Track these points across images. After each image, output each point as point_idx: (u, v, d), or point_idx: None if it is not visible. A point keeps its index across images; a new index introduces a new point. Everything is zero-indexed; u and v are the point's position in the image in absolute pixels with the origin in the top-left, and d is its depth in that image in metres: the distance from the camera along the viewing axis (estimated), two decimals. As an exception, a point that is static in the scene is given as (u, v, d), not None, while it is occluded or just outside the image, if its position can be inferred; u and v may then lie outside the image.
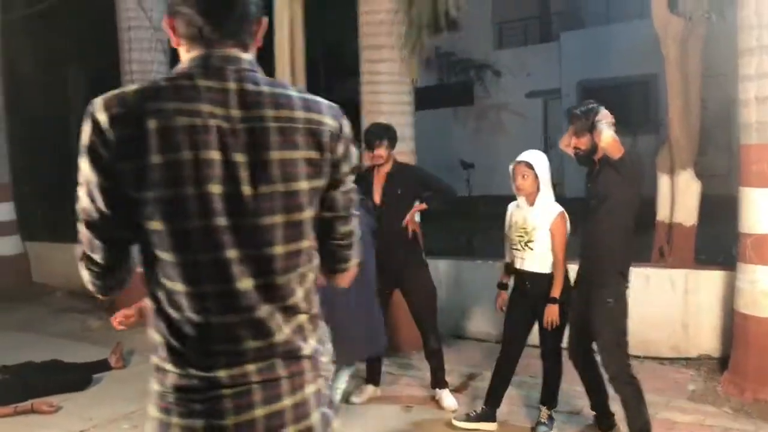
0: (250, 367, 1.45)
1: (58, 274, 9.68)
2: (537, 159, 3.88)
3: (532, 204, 3.93)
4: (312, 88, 6.69)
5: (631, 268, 3.74)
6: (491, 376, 4.26)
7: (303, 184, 1.45)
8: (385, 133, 4.69)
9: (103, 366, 5.81)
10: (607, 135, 3.45)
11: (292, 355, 1.50)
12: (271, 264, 1.43)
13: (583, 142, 3.60)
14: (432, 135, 17.77)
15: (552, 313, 3.87)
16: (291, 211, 1.45)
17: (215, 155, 1.36)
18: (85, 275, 1.53)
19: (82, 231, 1.47)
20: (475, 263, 6.71)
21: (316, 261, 1.59)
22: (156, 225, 1.38)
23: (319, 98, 1.54)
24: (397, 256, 4.70)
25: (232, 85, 1.41)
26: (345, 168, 1.56)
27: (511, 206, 4.09)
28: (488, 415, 4.25)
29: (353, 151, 1.59)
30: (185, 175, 1.35)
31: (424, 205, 4.71)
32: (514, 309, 4.08)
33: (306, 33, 6.48)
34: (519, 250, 3.97)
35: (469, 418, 4.30)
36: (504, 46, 18.25)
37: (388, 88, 6.01)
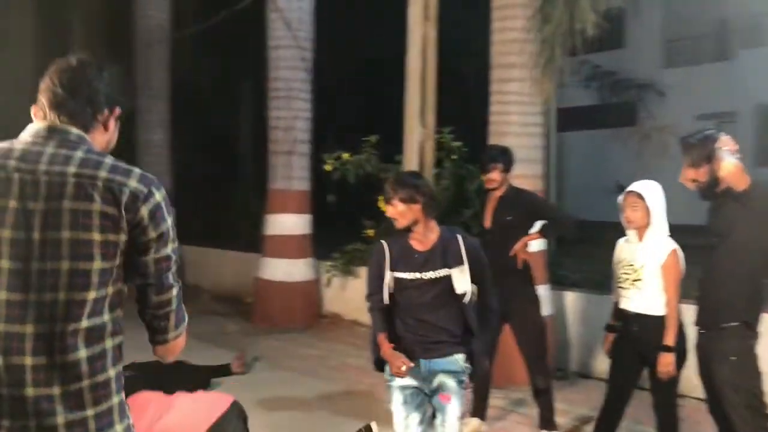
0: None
1: (207, 278, 10.31)
2: (649, 189, 3.51)
3: (641, 239, 3.56)
4: (448, 108, 6.67)
5: (761, 316, 3.27)
6: (595, 424, 3.91)
7: (95, 235, 1.53)
8: (499, 157, 4.48)
9: (224, 370, 6.03)
10: (728, 163, 3.05)
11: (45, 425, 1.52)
12: (50, 310, 1.51)
13: (702, 174, 3.20)
14: (588, 156, 17.07)
15: (666, 363, 3.47)
16: (78, 259, 1.52)
17: (12, 203, 1.53)
18: None
19: None
20: (603, 297, 6.25)
21: (114, 325, 1.63)
22: None
23: (136, 168, 1.64)
24: (504, 286, 4.47)
25: (49, 149, 1.58)
26: (152, 233, 1.60)
27: (621, 241, 3.74)
28: (593, 464, 3.89)
29: (164, 218, 1.63)
30: None
31: (536, 235, 4.45)
32: (620, 353, 3.71)
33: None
34: (625, 288, 3.61)
35: (571, 467, 3.97)
36: (672, 65, 17.12)
37: (517, 109, 5.79)
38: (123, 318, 1.67)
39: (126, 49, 10.92)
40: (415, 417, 3.15)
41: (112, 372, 1.61)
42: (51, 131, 1.61)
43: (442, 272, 3.14)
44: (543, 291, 5.68)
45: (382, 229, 7.72)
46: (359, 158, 7.58)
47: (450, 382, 3.15)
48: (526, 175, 5.66)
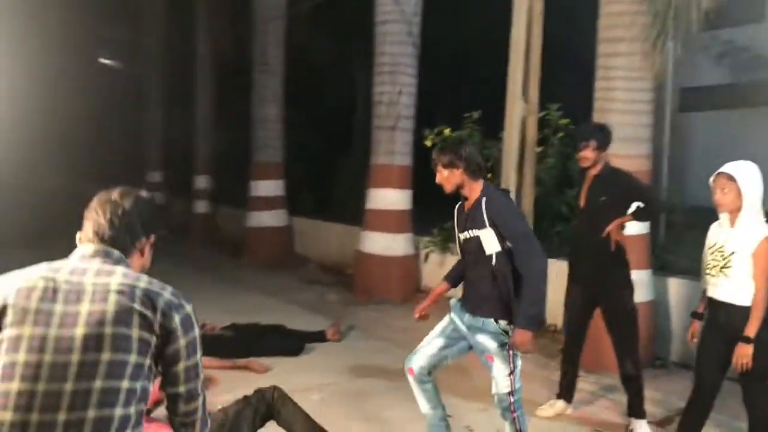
0: None
1: (314, 249, 10.63)
2: (741, 171, 3.26)
3: (733, 224, 3.32)
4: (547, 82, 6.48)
5: None
6: (682, 414, 3.73)
7: (134, 332, 1.74)
8: (593, 134, 4.32)
9: (319, 336, 6.23)
10: None
11: None
12: (85, 397, 1.68)
13: None
14: (717, 138, 16.02)
15: (743, 354, 3.25)
16: (117, 351, 1.72)
17: (58, 307, 1.74)
18: None
19: None
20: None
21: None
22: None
23: (166, 287, 1.87)
24: (595, 268, 4.34)
25: (94, 265, 1.82)
26: (182, 340, 1.81)
27: (714, 225, 3.51)
28: (677, 457, 3.73)
29: (193, 327, 1.84)
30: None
31: (629, 217, 4.26)
32: (706, 342, 3.50)
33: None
34: (713, 276, 3.39)
35: (653, 458, 3.82)
36: (820, 40, 15.69)
37: (623, 85, 5.53)
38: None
39: (244, 24, 11.33)
40: (440, 342, 3.63)
41: None
42: (96, 252, 1.85)
43: (472, 233, 3.37)
44: (643, 276, 5.46)
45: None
46: (461, 134, 7.52)
47: (489, 343, 3.38)
48: (630, 155, 5.43)
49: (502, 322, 3.34)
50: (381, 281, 8.14)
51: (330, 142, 13.13)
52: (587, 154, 4.31)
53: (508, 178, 6.54)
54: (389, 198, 8.18)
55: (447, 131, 7.63)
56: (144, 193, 2.01)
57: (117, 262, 1.84)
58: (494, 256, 3.30)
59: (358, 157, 10.95)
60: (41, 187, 18.82)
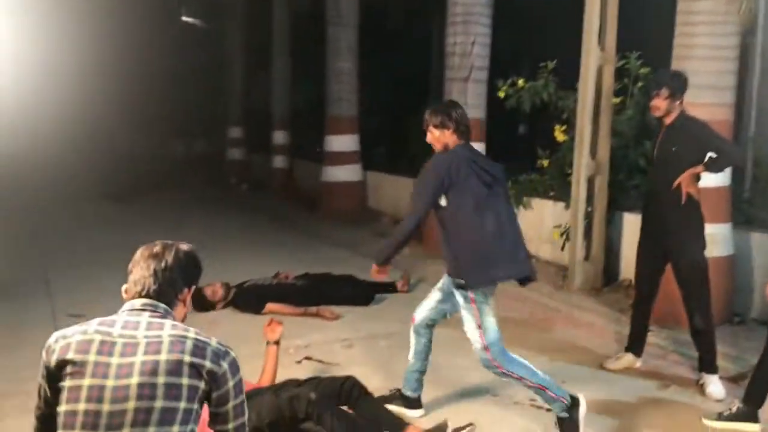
0: None
1: (387, 202, 10.71)
2: None
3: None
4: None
5: None
6: (753, 369, 3.63)
7: (184, 380, 1.90)
8: (664, 82, 4.15)
9: (389, 287, 6.34)
10: None
11: None
12: None
13: None
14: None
15: None
16: (169, 399, 1.87)
17: (115, 360, 1.88)
18: None
19: None
20: (794, 240, 5.64)
21: None
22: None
23: (211, 338, 2.00)
24: (666, 220, 4.22)
25: (145, 319, 1.97)
26: (230, 382, 1.96)
27: None
28: (747, 414, 3.64)
29: (238, 371, 2.00)
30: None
31: (700, 168, 4.10)
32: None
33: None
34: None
35: (721, 417, 3.74)
36: None
37: (705, 30, 5.25)
38: None
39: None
40: (437, 295, 3.78)
41: None
42: (144, 306, 2.00)
43: None
44: (722, 230, 5.27)
45: (557, 159, 7.51)
46: (535, 85, 7.34)
47: (459, 299, 3.52)
48: (712, 103, 5.18)
49: (458, 280, 3.46)
50: (453, 235, 8.14)
51: (404, 95, 13.06)
52: (659, 103, 4.16)
53: (583, 130, 6.38)
54: (461, 151, 8.11)
55: (521, 82, 7.46)
56: (184, 246, 2.13)
57: (164, 315, 2.00)
58: (443, 216, 3.46)
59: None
60: (128, 145, 19.59)
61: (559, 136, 7.29)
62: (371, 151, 11.68)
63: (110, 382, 1.83)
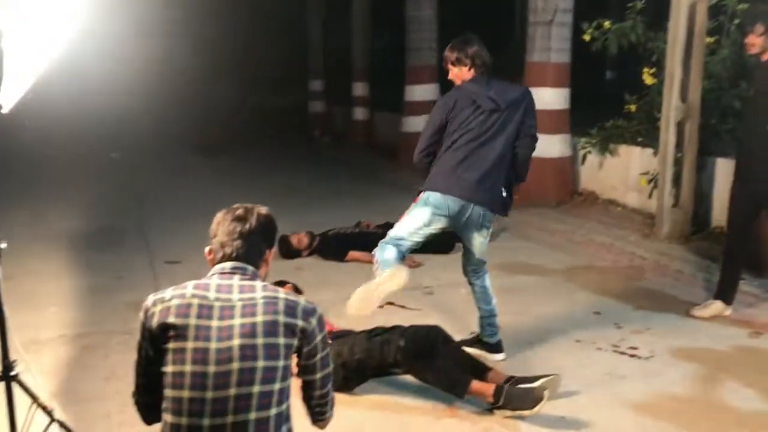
0: None
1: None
2: None
3: None
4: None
5: None
6: None
7: (281, 340, 1.96)
8: (759, 18, 3.92)
9: (470, 236, 6.33)
10: None
11: None
12: (246, 401, 1.91)
13: None
14: None
15: None
16: (269, 359, 1.94)
17: (215, 323, 1.95)
18: None
19: None
20: None
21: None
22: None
23: (299, 297, 2.06)
24: (760, 164, 4.03)
25: (236, 281, 2.03)
26: (318, 336, 2.04)
27: None
28: None
29: (324, 327, 2.07)
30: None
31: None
32: None
33: None
34: None
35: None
36: None
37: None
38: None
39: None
40: None
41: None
42: (233, 269, 2.06)
43: None
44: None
45: (646, 104, 7.24)
46: (623, 26, 7.04)
47: None
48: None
49: None
50: (535, 184, 7.95)
51: (488, 41, 12.78)
52: (753, 40, 3.95)
53: (673, 72, 6.11)
54: (544, 97, 7.92)
55: (607, 24, 7.18)
56: (263, 209, 2.17)
57: (252, 276, 2.07)
58: None
59: (515, 56, 10.62)
60: (215, 101, 20.07)
61: (648, 79, 7.02)
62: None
63: (213, 345, 1.90)
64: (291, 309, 2.00)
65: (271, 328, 1.94)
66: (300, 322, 1.99)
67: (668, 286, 5.12)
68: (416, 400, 3.32)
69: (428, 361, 3.23)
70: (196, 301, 1.95)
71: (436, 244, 6.00)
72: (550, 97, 7.91)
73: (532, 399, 3.04)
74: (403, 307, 4.68)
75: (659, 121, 6.46)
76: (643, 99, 7.26)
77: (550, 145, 7.95)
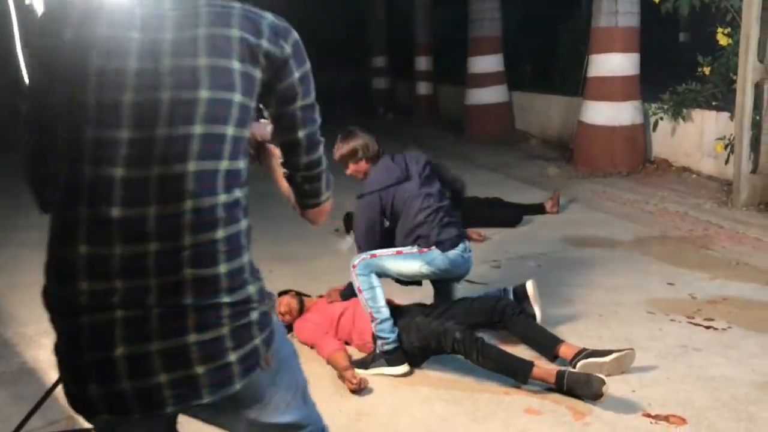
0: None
1: (535, 123, 10.44)
2: None
3: None
4: None
5: None
6: None
7: (235, 64, 1.36)
8: None
9: (537, 209, 6.25)
10: None
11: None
12: (183, 143, 1.33)
13: None
14: None
15: None
16: (217, 89, 1.35)
17: (136, 35, 1.34)
18: None
19: None
20: None
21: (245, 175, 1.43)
22: None
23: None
24: None
25: None
26: (296, 73, 1.46)
27: None
28: None
29: (305, 58, 1.48)
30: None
31: None
32: None
33: None
34: None
35: None
36: None
37: None
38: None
39: None
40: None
41: (243, 224, 1.41)
42: None
43: None
44: None
45: (720, 66, 6.93)
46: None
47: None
48: None
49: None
50: (605, 153, 7.84)
51: (551, 8, 12.46)
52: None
53: (750, 31, 5.81)
54: (612, 63, 7.70)
55: (677, -16, 6.88)
56: None
57: None
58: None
59: (582, 23, 10.31)
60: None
61: (722, 39, 6.70)
62: (517, 71, 11.34)
63: (132, 63, 1.32)
64: (252, 23, 1.39)
65: (219, 44, 1.35)
66: (264, 43, 1.39)
67: (746, 255, 4.93)
68: (483, 375, 3.30)
69: (486, 350, 3.20)
70: (106, 3, 1.37)
71: (503, 218, 6.00)
72: (618, 63, 7.69)
73: (593, 392, 2.98)
74: (469, 281, 4.66)
75: (735, 84, 6.18)
76: (717, 61, 6.95)
77: (619, 113, 7.74)
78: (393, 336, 3.42)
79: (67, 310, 1.33)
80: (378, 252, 3.56)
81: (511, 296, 3.76)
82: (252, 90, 1.39)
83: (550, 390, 3.14)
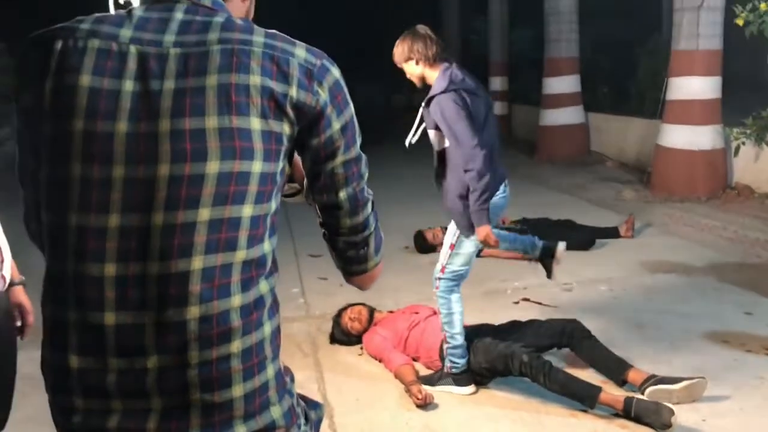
0: None
1: (612, 145, 10.29)
2: None
3: None
4: None
5: None
6: None
7: (254, 122, 1.09)
8: None
9: (611, 233, 6.17)
10: None
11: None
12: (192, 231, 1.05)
13: None
14: None
15: None
16: (227, 159, 1.06)
17: (128, 85, 1.07)
18: None
19: None
20: None
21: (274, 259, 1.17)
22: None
23: (297, 41, 1.19)
24: None
25: (178, 15, 1.13)
26: (335, 123, 1.17)
27: None
28: None
29: (347, 101, 1.20)
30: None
31: None
32: None
33: None
34: None
35: None
36: None
37: None
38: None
39: None
40: None
41: (268, 329, 1.13)
42: None
43: None
44: None
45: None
46: None
47: None
48: None
49: None
50: (683, 178, 7.66)
51: (629, 30, 12.30)
52: None
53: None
54: (693, 86, 7.54)
55: (763, 5, 6.70)
56: None
57: (212, 11, 1.15)
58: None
59: (661, 45, 10.14)
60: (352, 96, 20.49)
61: (811, 63, 6.49)
62: (594, 92, 11.22)
63: (122, 126, 1.05)
64: (277, 65, 1.11)
65: (234, 97, 1.07)
66: (294, 92, 1.12)
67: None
68: (550, 398, 3.31)
69: (553, 374, 3.20)
70: (95, 43, 1.08)
71: (575, 241, 5.95)
72: (698, 87, 7.52)
73: (661, 422, 2.94)
74: (539, 303, 4.66)
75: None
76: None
77: (699, 137, 7.57)
78: (463, 362, 3.45)
79: (62, 415, 1.12)
80: (443, 262, 3.49)
81: (540, 247, 3.81)
82: (278, 151, 1.12)
83: (616, 415, 3.12)
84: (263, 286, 1.11)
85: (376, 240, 1.31)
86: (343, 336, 4.06)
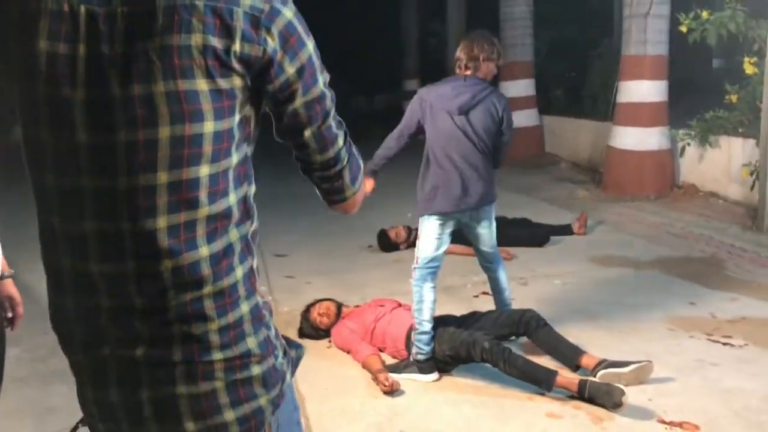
0: None
1: (565, 147, 10.64)
2: None
3: None
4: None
5: None
6: None
7: (201, 84, 1.07)
8: None
9: (565, 230, 6.45)
10: None
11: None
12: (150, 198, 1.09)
13: None
14: None
15: None
16: (179, 122, 1.07)
17: (82, 49, 1.08)
18: None
19: None
20: None
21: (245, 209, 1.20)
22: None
23: None
24: None
25: None
26: (289, 68, 1.14)
27: None
28: None
29: (303, 42, 1.16)
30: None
31: None
32: None
33: None
34: None
35: None
36: None
37: None
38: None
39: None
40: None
41: (239, 272, 1.18)
42: None
43: None
44: None
45: (747, 93, 7.10)
46: (721, 16, 6.92)
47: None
48: None
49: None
50: (633, 177, 8.01)
51: (583, 34, 12.71)
52: None
53: (775, 61, 5.99)
54: (641, 90, 7.90)
55: (705, 14, 7.07)
56: None
57: None
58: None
59: (612, 50, 10.53)
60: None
61: (749, 68, 6.88)
62: (548, 95, 11.57)
63: (79, 93, 1.07)
64: (220, 18, 1.07)
65: (178, 62, 1.06)
66: (238, 46, 1.08)
67: (767, 277, 5.08)
68: (509, 382, 3.52)
69: (512, 359, 3.41)
70: (48, 3, 1.07)
71: (530, 238, 6.22)
72: (647, 90, 7.88)
73: (613, 402, 3.16)
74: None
75: (761, 111, 6.35)
76: (744, 89, 7.12)
77: (647, 138, 7.92)
78: (428, 348, 3.65)
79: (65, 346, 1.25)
80: (416, 253, 3.89)
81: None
82: (232, 106, 1.11)
83: (571, 397, 3.35)
84: (233, 234, 1.16)
85: (352, 171, 1.33)
86: (311, 330, 4.21)
